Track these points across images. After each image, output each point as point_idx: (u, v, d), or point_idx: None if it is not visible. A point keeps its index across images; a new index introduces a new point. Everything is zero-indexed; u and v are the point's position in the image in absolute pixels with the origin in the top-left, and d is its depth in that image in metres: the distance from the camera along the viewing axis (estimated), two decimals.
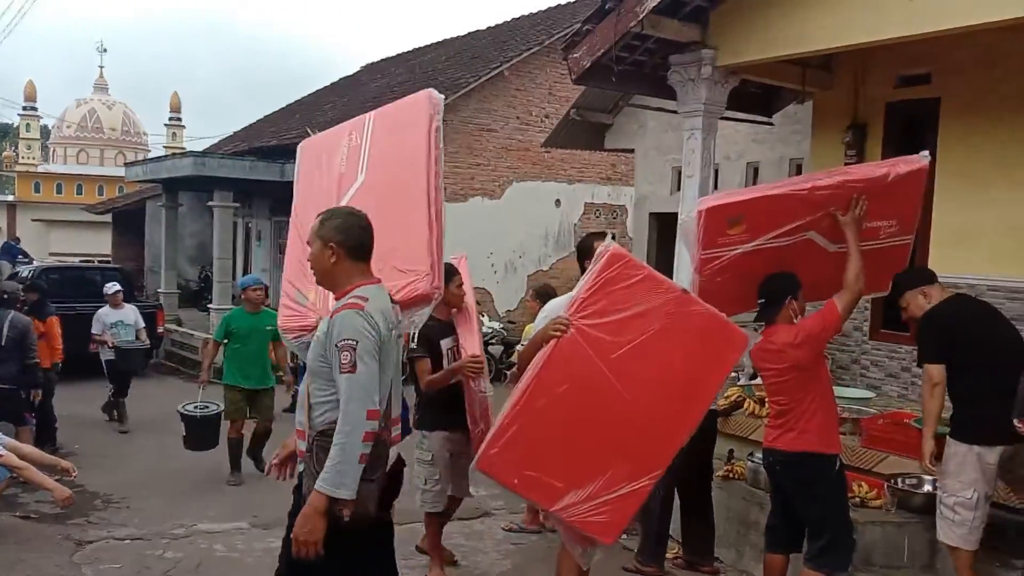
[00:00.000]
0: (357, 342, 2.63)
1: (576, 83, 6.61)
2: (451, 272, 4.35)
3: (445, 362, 4.51)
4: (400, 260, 3.19)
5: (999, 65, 5.99)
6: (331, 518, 2.61)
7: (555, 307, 3.87)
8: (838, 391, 5.51)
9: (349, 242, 2.84)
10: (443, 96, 3.48)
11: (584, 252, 3.99)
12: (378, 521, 2.82)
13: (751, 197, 4.15)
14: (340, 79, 24.75)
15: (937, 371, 3.89)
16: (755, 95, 7.66)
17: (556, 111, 13.84)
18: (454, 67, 16.30)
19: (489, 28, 19.42)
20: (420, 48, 22.24)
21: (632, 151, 10.91)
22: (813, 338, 3.80)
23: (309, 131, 14.79)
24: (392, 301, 2.93)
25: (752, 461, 5.01)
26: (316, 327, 3.17)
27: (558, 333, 3.34)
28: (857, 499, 4.57)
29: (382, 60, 24.29)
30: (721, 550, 5.00)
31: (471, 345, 4.50)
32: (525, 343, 3.85)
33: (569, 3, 17.21)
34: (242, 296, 7.29)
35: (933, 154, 6.36)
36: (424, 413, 4.63)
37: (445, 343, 4.54)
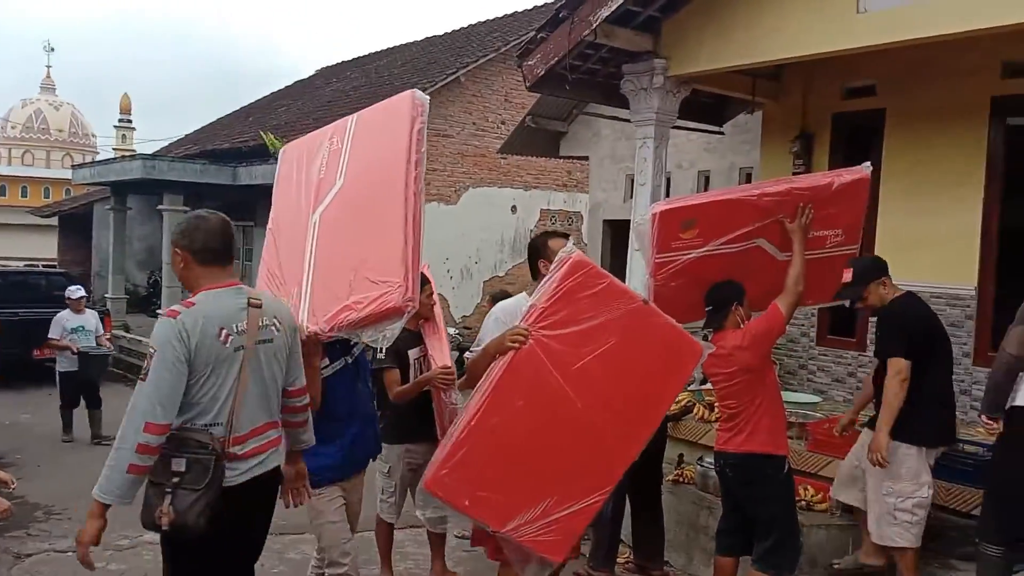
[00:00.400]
0: (155, 351, 2.60)
1: (531, 90, 6.66)
2: (423, 281, 4.14)
3: (412, 372, 4.43)
4: (373, 270, 3.06)
5: (941, 78, 6.17)
6: (152, 526, 2.63)
7: (506, 309, 3.76)
8: (785, 396, 5.60)
9: (194, 246, 2.79)
10: (427, 97, 3.34)
11: (537, 251, 3.81)
12: (228, 535, 2.74)
13: (703, 201, 4.23)
14: (295, 82, 24.54)
15: (906, 365, 3.96)
16: (706, 105, 7.79)
17: (512, 117, 13.91)
18: (410, 72, 16.27)
19: (446, 34, 19.43)
20: (376, 53, 22.16)
21: (587, 159, 11.00)
22: (759, 339, 3.88)
23: (262, 135, 14.46)
24: (252, 304, 2.80)
25: (702, 465, 5.07)
26: None
27: (516, 344, 3.17)
28: (803, 502, 4.65)
29: (338, 64, 24.14)
30: (671, 554, 5.05)
31: (441, 356, 4.39)
32: (477, 349, 3.70)
33: (525, 11, 17.30)
34: None
35: (878, 164, 6.56)
36: (388, 425, 4.50)
37: (413, 353, 4.45)
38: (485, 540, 3.67)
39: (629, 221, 7.00)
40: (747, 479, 4.02)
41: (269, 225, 3.70)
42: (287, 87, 24.25)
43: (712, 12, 5.86)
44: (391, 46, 21.86)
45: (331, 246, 3.34)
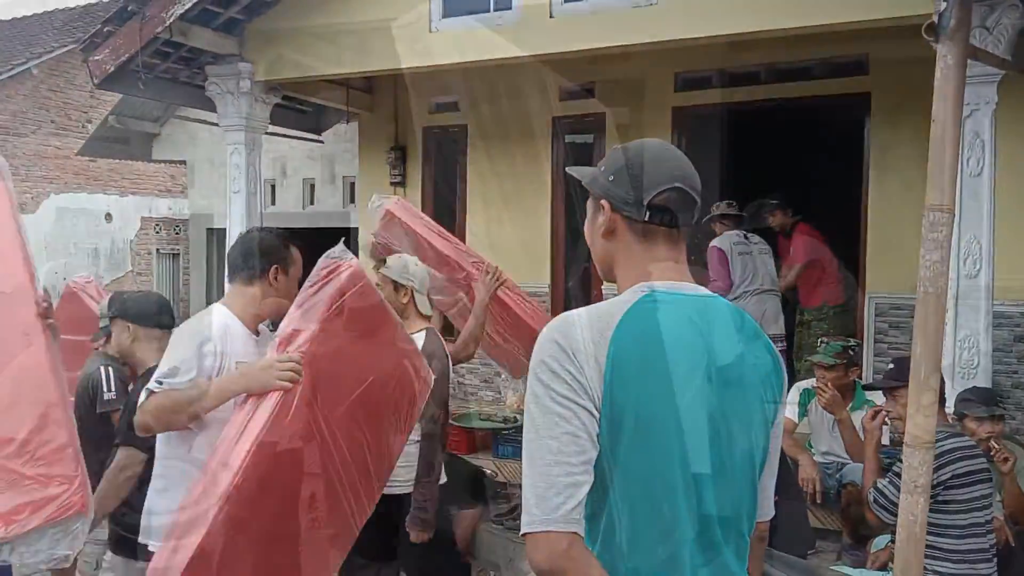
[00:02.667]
0: None
1: (100, 88, 6.04)
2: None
3: None
4: (25, 459, 2.19)
5: (512, 99, 6.80)
6: None
7: (206, 331, 2.56)
8: None
9: None
10: (4, 162, 2.39)
11: (271, 254, 2.67)
12: None
13: (424, 232, 4.04)
14: None
15: None
16: (304, 113, 7.74)
17: (102, 115, 12.55)
18: None
19: (13, 19, 16.92)
20: None
21: (184, 163, 10.34)
22: None
23: None
24: None
25: None
26: None
27: (289, 383, 2.24)
28: None
29: None
30: None
31: None
32: (175, 380, 2.44)
33: (106, 1, 15.76)
34: None
35: (464, 176, 7.08)
36: None
37: None
38: None
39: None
40: None
41: None
42: None
43: (294, 20, 5.81)
44: None
45: None
